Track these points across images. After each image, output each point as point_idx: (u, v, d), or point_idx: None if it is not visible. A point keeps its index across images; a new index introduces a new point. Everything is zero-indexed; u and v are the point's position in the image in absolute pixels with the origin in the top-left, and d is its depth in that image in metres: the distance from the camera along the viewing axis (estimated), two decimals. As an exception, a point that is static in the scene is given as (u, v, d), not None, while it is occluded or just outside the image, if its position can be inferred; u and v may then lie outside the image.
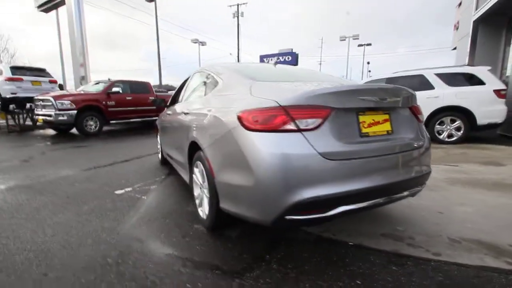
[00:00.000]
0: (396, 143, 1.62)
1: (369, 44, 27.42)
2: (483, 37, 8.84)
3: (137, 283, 1.46)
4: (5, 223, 2.21)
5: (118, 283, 1.46)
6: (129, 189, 3.07)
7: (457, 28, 12.44)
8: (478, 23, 8.81)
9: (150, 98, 9.90)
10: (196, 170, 2.19)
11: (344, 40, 25.54)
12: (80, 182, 3.33)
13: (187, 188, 3.04)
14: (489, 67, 5.42)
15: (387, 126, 1.62)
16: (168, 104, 3.71)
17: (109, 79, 9.20)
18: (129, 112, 9.12)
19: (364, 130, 1.53)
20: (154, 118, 10.19)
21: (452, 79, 5.65)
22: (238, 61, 33.49)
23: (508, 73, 6.13)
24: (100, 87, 8.78)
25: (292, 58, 34.05)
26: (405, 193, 1.66)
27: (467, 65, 6.70)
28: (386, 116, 1.63)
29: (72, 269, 1.59)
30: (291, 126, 1.36)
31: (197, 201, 2.23)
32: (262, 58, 35.09)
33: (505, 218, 2.17)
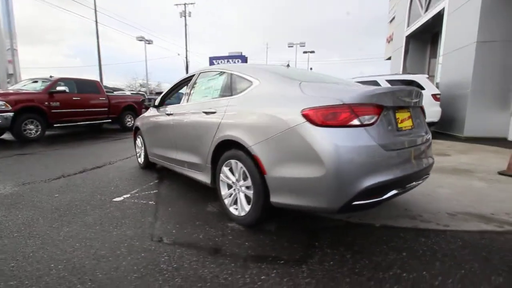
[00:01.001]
0: (418, 136, 1.94)
1: (312, 52, 29.74)
2: (413, 49, 10.53)
3: (212, 283, 1.43)
4: (-2, 243, 1.85)
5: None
6: (127, 195, 2.83)
7: (389, 41, 14.48)
8: (409, 38, 10.46)
9: (101, 98, 9.02)
10: (225, 169, 2.18)
11: (292, 46, 27.26)
12: (60, 193, 2.92)
13: (194, 189, 2.95)
14: (427, 75, 6.54)
15: (410, 122, 1.92)
16: (156, 104, 3.50)
17: (51, 76, 8.02)
18: (77, 114, 8.13)
19: (399, 125, 1.79)
20: (106, 121, 9.30)
21: (398, 84, 6.62)
22: (187, 61, 32.52)
23: (438, 80, 7.50)
24: (40, 85, 7.61)
25: (242, 61, 34.62)
26: (421, 179, 1.99)
27: (409, 73, 7.92)
28: (409, 114, 1.93)
29: (127, 281, 1.46)
30: (356, 122, 1.53)
31: (226, 201, 2.22)
32: (212, 60, 34.84)
33: (474, 194, 2.73)
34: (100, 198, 2.76)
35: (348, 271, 1.52)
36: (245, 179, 2.02)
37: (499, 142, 5.74)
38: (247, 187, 2.00)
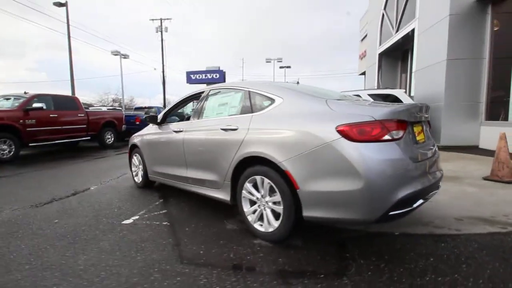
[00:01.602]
0: (430, 148, 2.10)
1: (288, 67, 30.86)
2: (385, 65, 11.35)
3: (262, 302, 1.42)
4: (11, 279, 1.68)
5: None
6: (135, 217, 2.71)
7: (362, 58, 15.49)
8: (381, 55, 11.28)
9: (80, 115, 8.60)
10: (248, 185, 2.19)
11: (270, 62, 28.12)
12: (59, 218, 2.72)
13: (204, 207, 2.91)
14: (404, 90, 7.06)
15: (423, 136, 2.09)
16: (159, 121, 3.44)
17: (25, 92, 7.54)
18: (54, 132, 7.65)
19: (417, 138, 1.94)
20: (84, 138, 8.83)
21: (379, 98, 7.07)
22: (164, 76, 32.08)
23: (412, 93, 8.14)
24: (13, 102, 7.11)
25: (220, 76, 34.86)
26: (437, 189, 2.13)
27: (388, 88, 8.49)
28: (422, 127, 2.10)
29: (173, 307, 1.40)
30: (387, 137, 1.64)
31: (249, 217, 2.21)
32: (189, 75, 34.71)
33: (470, 199, 2.97)
34: (107, 221, 2.61)
35: (388, 280, 1.58)
36: (271, 195, 2.04)
37: (472, 149, 6.29)
38: (275, 203, 2.02)
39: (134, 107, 15.48)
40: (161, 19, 31.99)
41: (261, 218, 2.15)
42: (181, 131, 2.91)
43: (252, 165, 2.15)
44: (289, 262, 1.82)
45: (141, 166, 3.84)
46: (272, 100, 2.18)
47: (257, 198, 2.15)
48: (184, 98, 3.33)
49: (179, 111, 4.18)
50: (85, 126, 8.67)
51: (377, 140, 1.63)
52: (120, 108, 18.95)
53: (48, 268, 1.79)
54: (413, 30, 8.21)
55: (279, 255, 1.91)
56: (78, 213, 2.87)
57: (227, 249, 2.01)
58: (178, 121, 3.90)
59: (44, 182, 4.37)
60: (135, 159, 3.97)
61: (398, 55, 11.05)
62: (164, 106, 23.48)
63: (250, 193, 2.19)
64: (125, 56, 24.52)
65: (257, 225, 2.16)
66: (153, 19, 32.14)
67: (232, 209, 2.85)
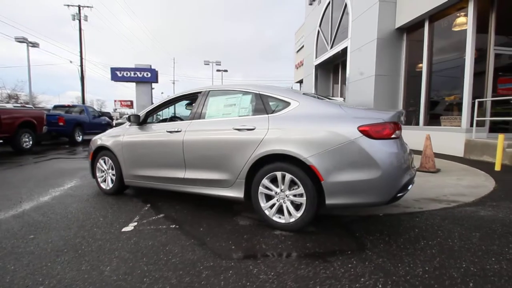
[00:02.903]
0: (407, 146, 2.67)
1: (225, 70, 31.13)
2: (320, 76, 12.83)
3: (320, 279, 1.63)
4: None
5: None
6: (133, 223, 2.52)
7: (298, 67, 17.03)
8: (317, 67, 12.71)
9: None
10: (266, 181, 2.35)
11: (208, 64, 27.80)
12: (33, 233, 2.31)
13: (203, 207, 2.92)
14: (343, 98, 8.21)
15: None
16: (140, 121, 3.23)
17: None
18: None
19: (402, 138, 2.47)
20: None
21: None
22: (82, 69, 28.04)
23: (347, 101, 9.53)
24: None
25: (151, 75, 32.57)
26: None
27: (328, 96, 9.63)
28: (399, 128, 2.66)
29: (246, 296, 1.48)
30: (394, 135, 2.07)
31: (267, 211, 2.36)
32: (115, 71, 31.35)
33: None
34: (102, 231, 2.35)
35: (398, 248, 2.00)
36: (292, 188, 2.26)
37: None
38: (295, 195, 2.24)
39: (53, 106, 13.09)
40: (79, 6, 28.09)
41: (279, 211, 2.33)
42: (179, 131, 2.83)
43: (270, 162, 2.32)
44: (317, 245, 2.07)
45: (111, 171, 3.49)
46: (287, 103, 2.40)
47: (276, 192, 2.33)
48: (174, 98, 3.22)
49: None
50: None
51: (388, 137, 2.05)
52: (29, 106, 15.73)
53: (74, 285, 1.58)
54: (346, 48, 9.60)
55: (305, 240, 2.14)
56: (53, 226, 2.47)
57: (255, 242, 2.13)
58: (158, 122, 3.71)
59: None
60: (102, 164, 3.56)
61: (330, 68, 12.65)
62: (83, 103, 20.44)
63: (268, 188, 2.36)
64: (34, 45, 20.49)
65: (275, 218, 2.34)
66: (68, 5, 27.97)
67: (231, 207, 2.94)
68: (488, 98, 6.01)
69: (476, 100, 5.83)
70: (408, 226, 2.42)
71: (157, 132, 3.05)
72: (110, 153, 3.46)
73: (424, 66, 7.24)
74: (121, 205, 3.06)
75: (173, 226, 2.46)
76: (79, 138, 11.10)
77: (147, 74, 32.69)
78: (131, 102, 48.21)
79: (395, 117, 2.17)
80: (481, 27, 5.89)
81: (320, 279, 1.62)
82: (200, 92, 2.97)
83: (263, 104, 2.51)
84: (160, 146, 2.99)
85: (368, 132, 2.01)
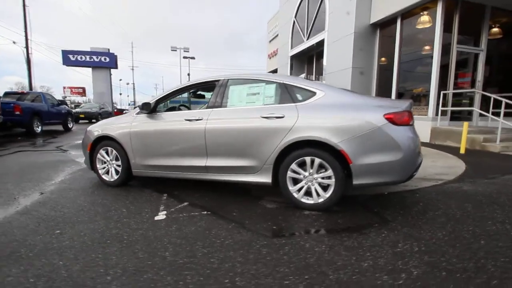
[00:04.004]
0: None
1: (193, 57, 29.98)
2: (295, 66, 13.17)
3: (365, 247, 1.87)
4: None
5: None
6: (163, 212, 2.51)
7: (271, 57, 17.19)
8: (293, 58, 13.01)
9: None
10: (295, 166, 2.51)
11: (175, 50, 26.42)
12: (57, 228, 2.20)
13: (225, 195, 3.01)
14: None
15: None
16: (150, 109, 3.14)
17: None
18: None
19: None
20: None
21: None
22: (28, 51, 24.82)
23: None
24: None
25: (110, 60, 30.35)
26: None
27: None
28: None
29: (331, 257, 1.65)
30: (411, 122, 2.37)
31: (295, 194, 2.54)
32: (67, 55, 28.53)
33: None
34: (133, 221, 2.32)
35: (414, 219, 2.32)
36: (319, 171, 2.46)
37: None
38: (323, 178, 2.44)
39: (4, 93, 11.50)
40: (21, -21, 24.65)
41: (308, 193, 2.52)
42: (200, 119, 2.84)
43: (299, 148, 2.49)
44: (347, 221, 2.31)
45: (115, 162, 3.35)
46: (313, 93, 2.57)
47: (304, 176, 2.51)
48: (186, 86, 3.19)
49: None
50: None
51: (407, 124, 2.34)
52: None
53: (142, 271, 1.60)
54: (322, 40, 9.99)
55: (335, 218, 2.37)
56: (74, 220, 2.37)
57: (293, 222, 2.30)
58: (166, 110, 3.61)
59: None
60: (104, 155, 3.40)
61: (304, 60, 13.05)
62: (31, 90, 18.18)
63: (296, 172, 2.53)
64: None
65: (304, 199, 2.53)
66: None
67: (250, 192, 3.06)
68: (451, 91, 6.85)
69: (442, 92, 6.62)
70: (412, 201, 2.79)
71: (174, 121, 3.01)
72: (114, 143, 3.31)
73: (395, 60, 7.92)
74: (136, 197, 2.99)
75: (205, 212, 2.52)
76: (38, 129, 10.02)
77: (105, 59, 30.55)
78: (83, 89, 44.08)
79: (409, 107, 2.47)
80: (446, 27, 6.62)
81: (366, 247, 1.86)
82: (217, 81, 2.98)
83: (288, 93, 2.64)
84: (178, 134, 2.96)
85: (392, 119, 2.28)
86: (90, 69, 30.40)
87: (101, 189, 3.26)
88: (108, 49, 31.17)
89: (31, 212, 2.55)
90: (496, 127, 5.84)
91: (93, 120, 17.57)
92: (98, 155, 3.45)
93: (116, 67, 31.81)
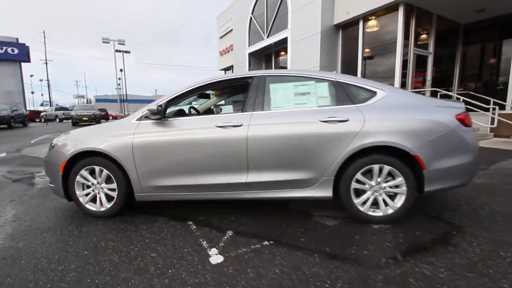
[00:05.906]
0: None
1: (128, 52, 26.71)
2: (253, 64, 12.92)
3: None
4: None
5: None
6: (214, 251, 1.92)
7: (223, 54, 16.54)
8: (250, 55, 12.71)
9: None
10: (359, 175, 2.22)
11: (108, 42, 22.80)
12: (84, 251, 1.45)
13: (267, 213, 2.56)
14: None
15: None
16: (161, 114, 2.43)
17: None
18: None
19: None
20: None
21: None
22: None
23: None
24: None
25: (20, 52, 25.31)
26: None
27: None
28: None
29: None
30: (470, 123, 2.32)
31: (360, 207, 2.26)
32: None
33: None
34: (185, 272, 1.69)
35: (474, 218, 2.30)
36: (387, 180, 2.23)
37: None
38: (391, 187, 2.22)
39: None
40: None
41: (375, 204, 2.26)
42: (239, 125, 2.29)
43: (365, 155, 2.20)
44: (424, 232, 2.12)
45: (106, 185, 2.53)
46: (374, 93, 2.30)
47: (371, 186, 2.24)
48: (207, 84, 2.56)
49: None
50: None
51: (469, 125, 2.28)
52: None
53: None
54: (285, 38, 9.96)
55: (410, 230, 2.16)
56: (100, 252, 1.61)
57: (369, 238, 2.02)
58: (175, 115, 2.87)
59: None
60: (87, 176, 2.53)
61: (262, 57, 12.91)
62: None
63: (361, 182, 2.24)
64: None
65: (370, 212, 2.26)
66: None
67: (291, 208, 2.66)
68: (411, 90, 7.56)
69: (404, 91, 7.25)
70: (456, 199, 2.80)
71: (199, 128, 2.38)
72: (105, 160, 2.48)
73: (358, 60, 8.37)
74: (154, 231, 2.27)
75: (266, 243, 2.02)
76: None
77: (12, 50, 25.21)
78: (-23, 87, 35.16)
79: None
80: (405, 31, 7.26)
81: (474, 261, 1.69)
82: (251, 78, 2.47)
83: (346, 93, 2.32)
84: (208, 145, 2.34)
85: (463, 120, 2.19)
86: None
87: (90, 224, 2.40)
88: (17, 39, 25.51)
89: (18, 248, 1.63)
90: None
91: (4, 126, 14.13)
92: (78, 178, 2.53)
93: (28, 60, 26.42)
